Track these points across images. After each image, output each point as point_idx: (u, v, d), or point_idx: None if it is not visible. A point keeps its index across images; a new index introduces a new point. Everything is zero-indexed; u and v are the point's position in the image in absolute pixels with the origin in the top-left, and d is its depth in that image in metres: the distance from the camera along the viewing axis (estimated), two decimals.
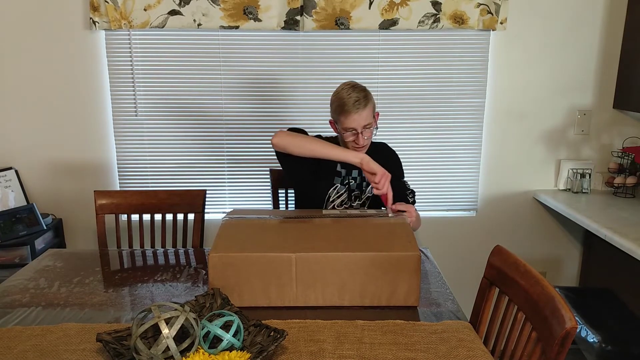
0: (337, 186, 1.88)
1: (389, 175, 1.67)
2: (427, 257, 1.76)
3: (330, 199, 1.89)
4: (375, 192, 1.66)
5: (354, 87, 1.80)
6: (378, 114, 1.90)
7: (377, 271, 1.37)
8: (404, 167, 2.00)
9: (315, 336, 1.24)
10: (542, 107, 2.50)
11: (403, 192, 1.89)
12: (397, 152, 2.00)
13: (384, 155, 1.95)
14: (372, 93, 1.82)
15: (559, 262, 2.67)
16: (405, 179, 1.98)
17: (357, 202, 1.90)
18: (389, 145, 2.02)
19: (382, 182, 1.64)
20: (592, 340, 1.91)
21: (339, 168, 1.89)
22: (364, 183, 1.90)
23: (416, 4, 2.30)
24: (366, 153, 1.90)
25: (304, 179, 1.89)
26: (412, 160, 2.52)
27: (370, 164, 1.67)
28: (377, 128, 1.85)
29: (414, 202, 1.90)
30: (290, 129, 1.85)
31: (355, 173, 1.90)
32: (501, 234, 2.63)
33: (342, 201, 1.89)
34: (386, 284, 1.38)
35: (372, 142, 1.98)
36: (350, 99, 1.77)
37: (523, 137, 2.53)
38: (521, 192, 2.60)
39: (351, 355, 1.17)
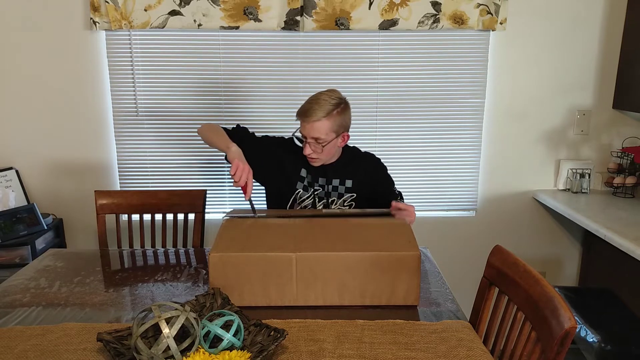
0: (299, 191, 1.85)
1: (247, 170, 1.64)
2: (427, 256, 1.76)
3: (297, 202, 1.86)
4: (233, 184, 1.66)
5: (329, 96, 1.73)
6: (347, 136, 1.81)
7: (377, 271, 1.37)
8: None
9: (315, 336, 1.24)
10: (542, 107, 2.50)
11: (394, 199, 1.85)
12: (384, 162, 1.94)
13: (367, 167, 1.90)
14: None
15: (559, 262, 2.67)
16: (395, 184, 1.93)
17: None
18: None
19: (237, 174, 1.63)
20: (591, 340, 1.91)
21: (302, 173, 1.85)
22: (333, 193, 1.85)
23: (416, 4, 2.30)
24: (347, 164, 1.87)
25: (259, 180, 1.90)
26: (411, 160, 2.52)
27: (231, 155, 1.69)
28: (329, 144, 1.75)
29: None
30: (237, 126, 1.92)
31: (322, 181, 1.84)
32: (501, 234, 2.64)
33: (306, 207, 1.86)
34: (386, 284, 1.38)
35: (357, 152, 1.94)
36: (305, 106, 1.73)
37: (523, 137, 2.54)
38: (521, 192, 2.60)
39: (351, 354, 1.17)
